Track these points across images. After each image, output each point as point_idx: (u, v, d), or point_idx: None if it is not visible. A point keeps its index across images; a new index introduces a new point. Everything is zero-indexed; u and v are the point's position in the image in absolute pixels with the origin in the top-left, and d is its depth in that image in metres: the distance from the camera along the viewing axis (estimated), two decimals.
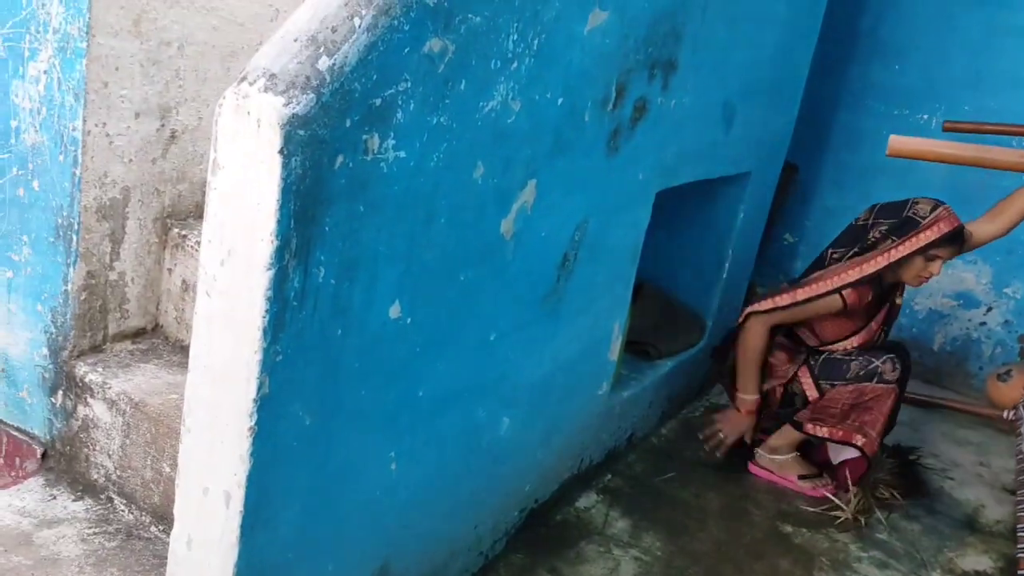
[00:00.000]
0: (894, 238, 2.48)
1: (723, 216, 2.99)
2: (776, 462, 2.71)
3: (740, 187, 2.93)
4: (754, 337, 2.64)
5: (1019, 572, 1.75)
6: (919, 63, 3.64)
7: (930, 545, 2.51)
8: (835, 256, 2.61)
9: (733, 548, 2.32)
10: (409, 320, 1.43)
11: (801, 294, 2.57)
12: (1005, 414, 3.28)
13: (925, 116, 3.64)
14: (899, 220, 2.50)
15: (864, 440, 2.53)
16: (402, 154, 1.28)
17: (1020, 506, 2.50)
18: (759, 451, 2.74)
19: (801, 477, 2.70)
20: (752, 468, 2.74)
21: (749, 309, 2.66)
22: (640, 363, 2.80)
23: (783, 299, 2.59)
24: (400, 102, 1.24)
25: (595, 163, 1.89)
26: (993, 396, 3.41)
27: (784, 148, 3.18)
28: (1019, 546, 2.36)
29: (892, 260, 2.47)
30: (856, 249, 2.56)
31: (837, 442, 2.58)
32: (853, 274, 2.52)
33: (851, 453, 2.60)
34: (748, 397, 2.68)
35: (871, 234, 2.54)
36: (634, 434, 2.73)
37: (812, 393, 2.61)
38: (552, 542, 2.19)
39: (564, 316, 2.00)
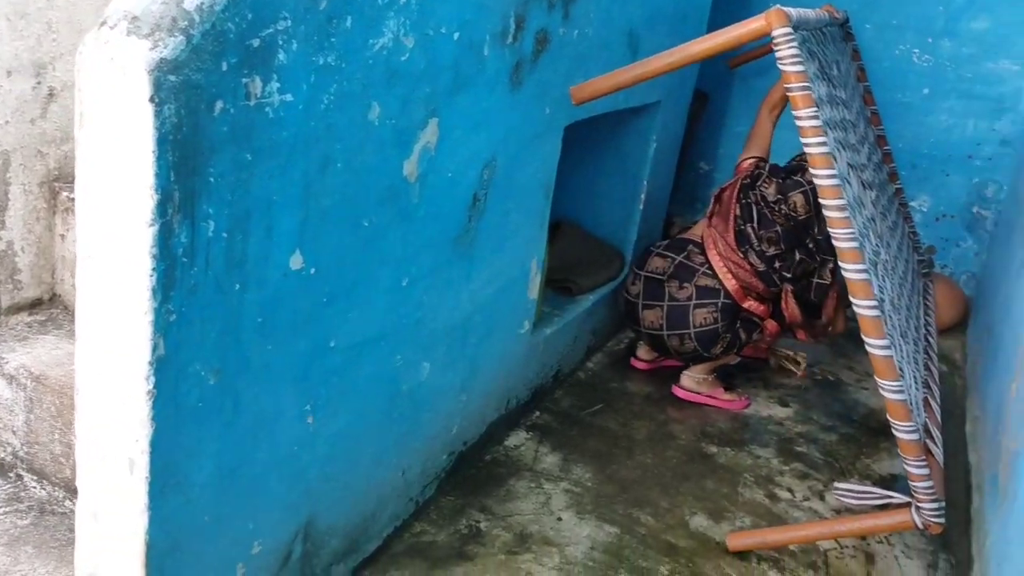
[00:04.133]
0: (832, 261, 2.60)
1: (635, 147, 2.99)
2: (704, 382, 2.79)
3: (650, 117, 2.93)
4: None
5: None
6: None
7: (848, 453, 2.61)
8: (766, 248, 2.62)
9: (660, 472, 2.37)
10: (313, 270, 1.39)
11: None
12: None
13: None
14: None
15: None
16: (288, 97, 1.23)
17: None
18: (685, 374, 2.80)
19: (726, 390, 2.81)
20: (677, 392, 2.80)
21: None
22: (562, 300, 2.81)
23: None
24: (281, 42, 1.18)
25: (499, 99, 1.85)
26: None
27: (693, 77, 3.18)
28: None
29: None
30: (811, 243, 2.62)
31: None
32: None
33: None
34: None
35: (821, 227, 2.59)
36: (560, 370, 2.75)
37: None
38: (482, 482, 2.20)
39: (479, 257, 1.98)
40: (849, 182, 2.02)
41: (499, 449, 2.37)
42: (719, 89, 3.87)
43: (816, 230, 2.60)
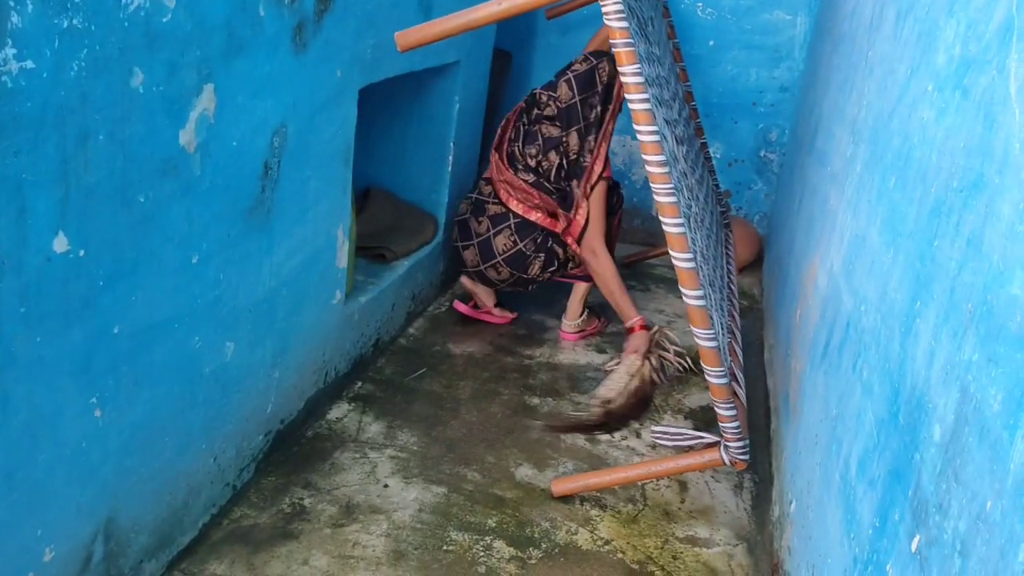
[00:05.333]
0: (604, 109, 2.76)
1: (439, 109, 2.97)
2: (584, 321, 3.01)
3: (451, 78, 2.92)
4: (606, 261, 2.80)
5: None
6: None
7: (661, 391, 2.74)
8: (530, 161, 2.80)
9: (486, 429, 2.41)
10: (82, 252, 1.29)
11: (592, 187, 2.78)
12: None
13: None
14: (601, 90, 2.74)
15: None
16: (29, 64, 1.12)
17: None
18: (565, 321, 3.02)
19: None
20: (567, 337, 3.01)
21: (579, 235, 2.77)
22: (377, 267, 2.78)
23: (593, 208, 2.76)
24: (13, 3, 1.07)
25: (282, 62, 1.78)
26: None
27: (491, 35, 3.20)
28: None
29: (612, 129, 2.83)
30: (580, 127, 2.77)
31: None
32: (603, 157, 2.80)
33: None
34: (636, 317, 2.81)
35: (586, 112, 2.76)
36: (380, 338, 2.72)
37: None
38: (305, 458, 2.15)
39: (278, 228, 1.91)
40: (666, 138, 2.08)
41: (321, 423, 2.32)
42: (521, 48, 3.91)
43: (581, 117, 2.77)
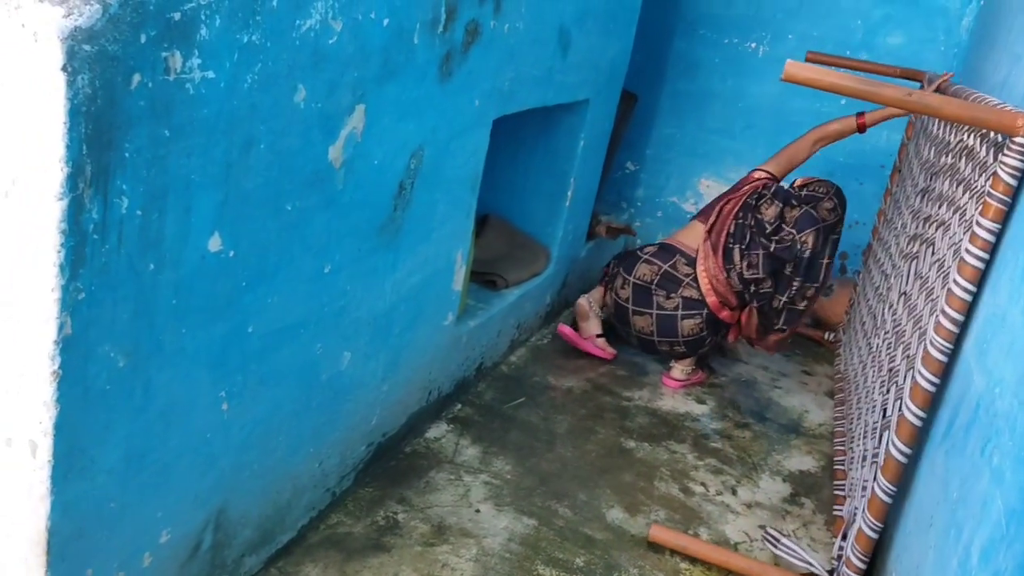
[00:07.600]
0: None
1: (564, 145, 3.01)
2: (693, 370, 3.01)
3: (580, 115, 2.95)
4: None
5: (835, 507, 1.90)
6: None
7: (760, 449, 2.68)
8: (745, 271, 2.80)
9: (580, 466, 2.40)
10: (232, 253, 1.36)
11: None
12: (826, 335, 3.56)
13: (753, 44, 3.78)
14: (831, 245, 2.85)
15: None
16: (210, 74, 1.20)
17: (837, 417, 2.72)
18: (675, 366, 3.01)
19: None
20: (669, 383, 3.00)
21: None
22: (487, 293, 2.82)
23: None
24: (203, 17, 1.15)
25: (428, 88, 1.84)
26: (818, 312, 3.65)
27: (621, 76, 3.22)
28: (836, 448, 2.57)
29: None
30: (819, 284, 2.83)
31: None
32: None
33: None
34: None
35: (788, 270, 2.81)
36: (483, 363, 2.75)
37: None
38: (402, 473, 2.19)
39: (404, 246, 1.96)
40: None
41: (420, 441, 2.36)
42: (648, 90, 3.92)
43: (806, 256, 2.76)
